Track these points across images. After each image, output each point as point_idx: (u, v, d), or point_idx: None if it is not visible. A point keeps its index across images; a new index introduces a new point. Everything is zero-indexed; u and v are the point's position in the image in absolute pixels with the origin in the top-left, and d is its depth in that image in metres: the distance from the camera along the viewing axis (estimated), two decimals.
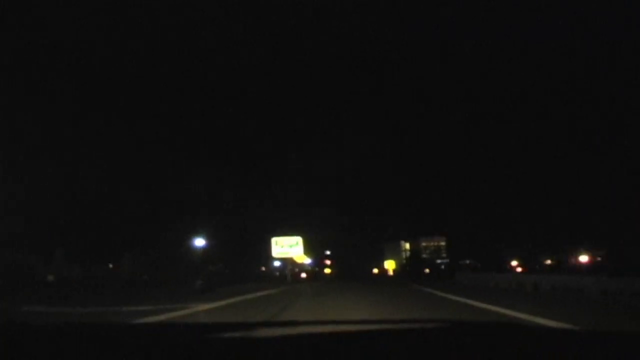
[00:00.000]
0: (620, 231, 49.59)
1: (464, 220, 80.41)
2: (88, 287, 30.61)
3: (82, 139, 39.09)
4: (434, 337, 1.62)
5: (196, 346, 1.50)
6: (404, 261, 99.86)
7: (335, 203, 75.49)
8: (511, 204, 72.57)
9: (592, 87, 66.43)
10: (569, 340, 1.61)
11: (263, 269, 70.59)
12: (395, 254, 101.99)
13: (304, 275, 73.05)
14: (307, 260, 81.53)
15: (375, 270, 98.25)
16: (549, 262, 65.02)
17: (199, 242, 43.89)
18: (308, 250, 69.12)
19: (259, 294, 22.04)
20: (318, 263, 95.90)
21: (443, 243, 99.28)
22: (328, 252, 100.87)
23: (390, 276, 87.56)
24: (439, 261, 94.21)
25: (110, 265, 48.77)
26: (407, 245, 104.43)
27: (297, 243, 58.13)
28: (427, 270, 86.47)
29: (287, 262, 61.88)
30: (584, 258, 58.68)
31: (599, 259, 56.76)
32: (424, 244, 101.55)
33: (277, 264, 65.98)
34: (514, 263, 68.52)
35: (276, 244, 57.17)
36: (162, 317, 10.82)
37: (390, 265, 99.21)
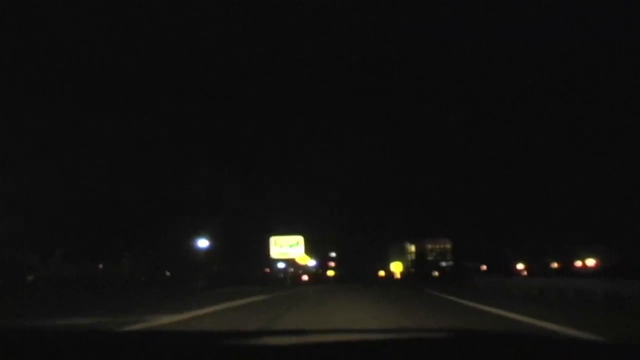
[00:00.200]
0: (628, 234, 49.33)
1: (468, 222, 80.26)
2: (76, 288, 29.79)
3: (82, 138, 39.34)
4: (442, 347, 1.54)
5: (188, 355, 1.45)
6: (410, 263, 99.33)
7: (337, 203, 75.57)
8: (515, 206, 72.48)
9: (592, 87, 66.27)
10: (596, 354, 1.53)
11: (267, 270, 68.28)
12: (400, 256, 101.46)
13: (305, 277, 71.12)
14: (310, 262, 79.77)
15: (382, 273, 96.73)
16: (555, 265, 64.51)
17: (202, 242, 43.71)
18: (310, 251, 67.85)
19: (241, 301, 17.65)
20: (322, 265, 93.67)
21: (449, 245, 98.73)
22: (333, 254, 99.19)
23: (397, 279, 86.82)
24: (444, 264, 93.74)
25: (101, 266, 48.58)
26: (412, 248, 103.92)
27: (297, 243, 55.76)
28: (435, 273, 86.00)
29: (289, 263, 60.31)
30: (590, 261, 58.16)
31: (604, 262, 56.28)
32: (429, 246, 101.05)
33: (281, 265, 63.65)
34: (520, 266, 68.13)
35: (275, 243, 54.85)
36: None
37: (397, 267, 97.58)
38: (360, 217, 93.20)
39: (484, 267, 73.11)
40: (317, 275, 79.82)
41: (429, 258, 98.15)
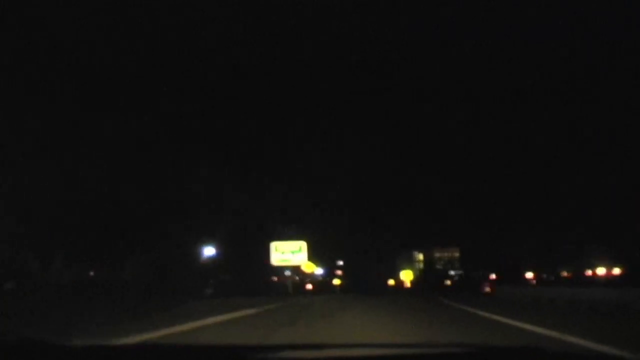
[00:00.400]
0: (628, 234, 48.76)
1: (474, 229, 79.79)
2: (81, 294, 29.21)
3: (82, 138, 39.69)
4: None
5: None
6: (418, 272, 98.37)
7: (339, 206, 75.14)
8: (515, 206, 72.29)
9: (592, 87, 66.14)
10: None
11: (275, 279, 66.08)
12: (408, 265, 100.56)
13: (309, 286, 67.87)
14: (318, 270, 77.86)
15: (392, 282, 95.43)
16: (565, 274, 63.59)
17: (209, 251, 43.24)
18: (316, 257, 66.39)
19: (218, 318, 12.86)
20: (329, 273, 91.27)
21: (457, 254, 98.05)
22: (340, 262, 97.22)
23: (407, 288, 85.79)
24: (452, 272, 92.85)
25: (91, 273, 47.87)
26: (420, 256, 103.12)
27: (300, 249, 51.87)
28: (448, 282, 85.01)
29: (295, 271, 57.83)
30: (601, 270, 57.21)
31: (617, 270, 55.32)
32: (437, 254, 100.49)
33: (287, 273, 62.97)
34: (530, 275, 67.31)
35: (276, 249, 50.91)
36: None
37: (407, 276, 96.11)
38: (364, 222, 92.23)
39: (493, 276, 72.14)
40: (322, 284, 76.46)
41: (438, 266, 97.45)
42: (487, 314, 13.92)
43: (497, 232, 76.68)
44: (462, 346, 1.83)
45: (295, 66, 65.66)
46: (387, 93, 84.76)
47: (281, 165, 68.72)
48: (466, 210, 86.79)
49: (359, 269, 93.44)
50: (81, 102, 39.59)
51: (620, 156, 53.49)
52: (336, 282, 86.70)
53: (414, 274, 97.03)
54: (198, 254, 46.08)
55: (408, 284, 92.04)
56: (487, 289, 46.26)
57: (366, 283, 77.14)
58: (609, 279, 52.29)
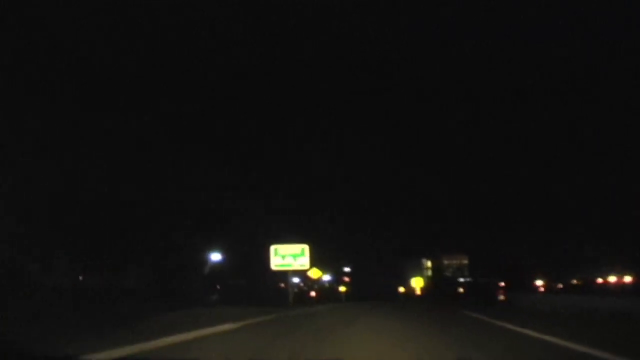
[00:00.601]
0: (628, 234, 48.23)
1: (480, 232, 79.33)
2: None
3: (82, 138, 39.91)
4: None
5: None
6: (427, 279, 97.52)
7: (340, 208, 74.82)
8: (515, 206, 71.84)
9: (592, 87, 65.65)
10: None
11: (282, 285, 63.65)
12: (417, 272, 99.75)
13: (312, 294, 65.81)
14: (326, 277, 76.12)
15: (402, 289, 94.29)
16: (574, 281, 62.66)
17: (215, 256, 42.78)
18: (320, 263, 65.26)
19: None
20: (337, 279, 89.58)
21: (466, 261, 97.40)
22: (347, 269, 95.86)
23: (418, 296, 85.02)
24: (461, 279, 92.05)
25: (80, 278, 47.46)
26: (429, 263, 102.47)
27: (302, 252, 45.95)
28: (460, 290, 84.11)
29: (301, 277, 56.64)
30: (612, 278, 56.30)
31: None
32: (446, 262, 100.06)
33: (296, 279, 61.25)
34: (539, 282, 66.47)
35: (276, 253, 45.67)
36: None
37: (417, 283, 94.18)
38: (365, 225, 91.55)
39: (502, 284, 71.23)
40: (328, 291, 73.83)
41: (447, 274, 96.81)
42: (523, 330, 12.16)
43: (498, 233, 76.47)
44: None
45: (295, 66, 65.71)
46: (387, 93, 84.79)
47: (281, 165, 68.50)
48: (470, 213, 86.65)
49: (367, 275, 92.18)
50: (81, 102, 39.80)
51: (620, 156, 53.12)
52: (342, 289, 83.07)
53: (424, 282, 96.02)
54: (204, 258, 45.67)
55: (418, 291, 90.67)
56: (502, 297, 45.99)
57: (375, 290, 76.19)
58: (620, 287, 51.49)
